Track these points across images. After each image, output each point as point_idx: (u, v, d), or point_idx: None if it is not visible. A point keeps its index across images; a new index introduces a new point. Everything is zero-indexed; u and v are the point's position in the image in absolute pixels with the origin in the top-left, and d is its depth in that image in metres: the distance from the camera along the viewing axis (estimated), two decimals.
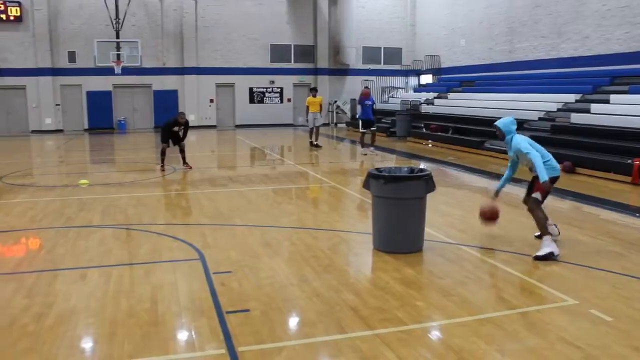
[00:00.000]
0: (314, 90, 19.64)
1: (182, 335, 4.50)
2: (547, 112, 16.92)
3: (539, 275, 5.74)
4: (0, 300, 5.21)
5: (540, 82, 19.84)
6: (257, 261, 6.28)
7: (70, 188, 11.32)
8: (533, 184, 6.69)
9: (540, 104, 17.65)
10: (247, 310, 4.87)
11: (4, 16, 26.00)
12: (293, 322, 4.83)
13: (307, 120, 19.25)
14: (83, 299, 5.18)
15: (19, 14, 26.08)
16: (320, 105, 19.22)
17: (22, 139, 24.30)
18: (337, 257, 6.61)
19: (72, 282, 5.71)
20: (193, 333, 4.47)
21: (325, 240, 7.25)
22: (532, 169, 6.59)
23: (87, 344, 4.38)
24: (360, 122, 16.90)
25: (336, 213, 9.41)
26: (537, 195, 6.47)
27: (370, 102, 16.92)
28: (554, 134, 15.16)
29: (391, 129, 22.96)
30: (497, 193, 7.01)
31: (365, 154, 16.22)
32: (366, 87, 17.90)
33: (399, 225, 6.45)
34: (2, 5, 25.89)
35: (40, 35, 26.37)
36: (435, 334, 4.53)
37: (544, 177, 6.29)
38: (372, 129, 16.62)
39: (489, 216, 6.83)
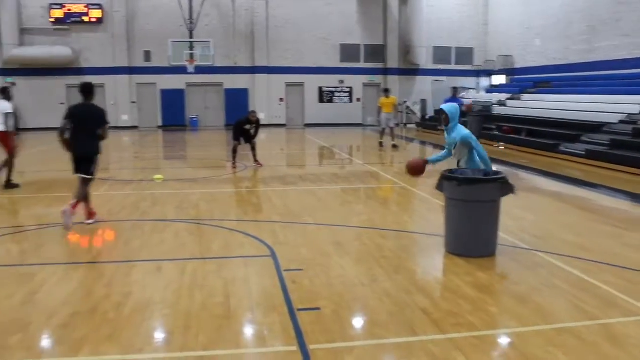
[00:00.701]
0: (386, 91, 19.57)
1: (254, 331, 4.56)
2: (629, 114, 16.17)
3: (621, 286, 5.48)
4: (83, 287, 5.46)
5: (622, 83, 18.99)
6: (328, 260, 6.29)
7: (145, 183, 11.71)
8: None
9: (621, 106, 16.89)
10: (318, 309, 4.88)
11: (86, 18, 27.35)
12: (364, 322, 4.80)
13: (378, 121, 19.17)
14: (159, 291, 5.34)
15: (100, 15, 27.28)
16: (395, 106, 19.12)
17: None
18: (408, 259, 6.55)
19: (148, 274, 5.90)
20: (265, 329, 4.52)
21: (396, 241, 7.19)
22: (460, 161, 6.85)
23: (163, 334, 4.50)
24: None
25: (406, 214, 9.33)
26: None
27: (459, 104, 16.65)
28: (636, 138, 14.49)
29: None
30: (428, 161, 6.98)
31: None
32: (454, 88, 17.57)
33: (472, 229, 6.31)
34: (85, 8, 27.21)
35: (119, 35, 27.46)
36: (509, 341, 4.40)
37: (489, 167, 6.65)
38: None
39: (414, 166, 6.95)
